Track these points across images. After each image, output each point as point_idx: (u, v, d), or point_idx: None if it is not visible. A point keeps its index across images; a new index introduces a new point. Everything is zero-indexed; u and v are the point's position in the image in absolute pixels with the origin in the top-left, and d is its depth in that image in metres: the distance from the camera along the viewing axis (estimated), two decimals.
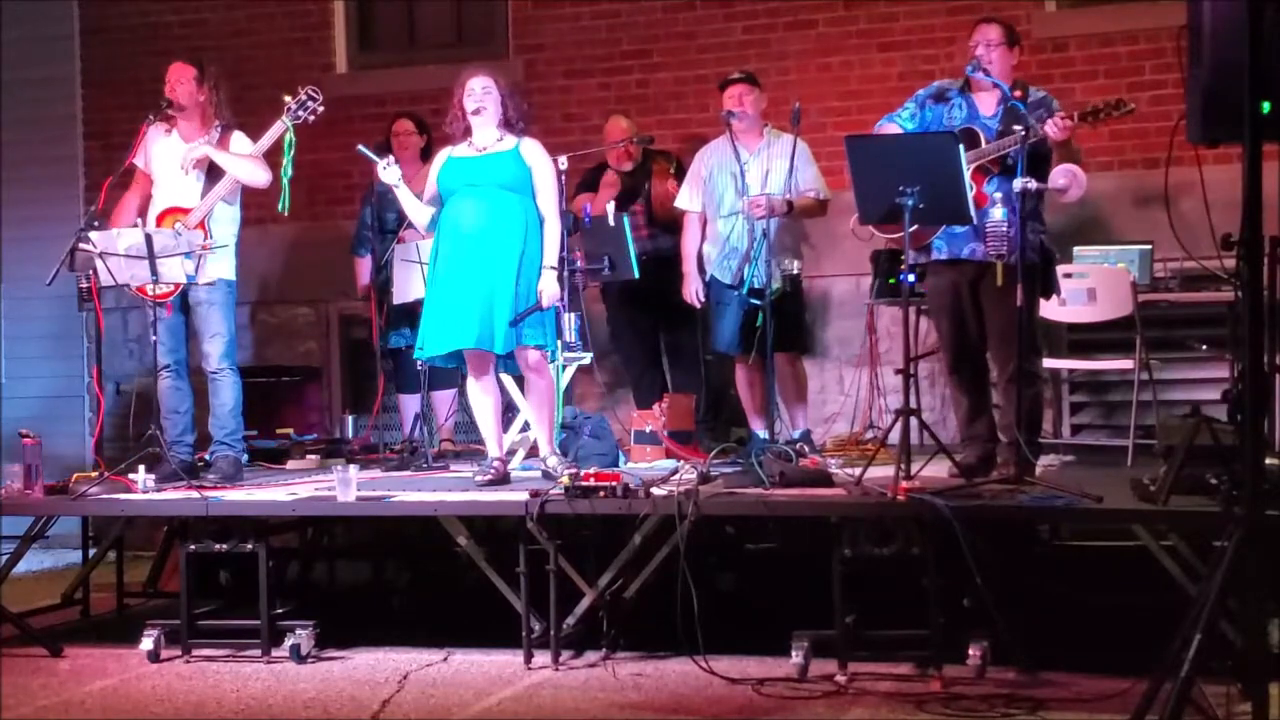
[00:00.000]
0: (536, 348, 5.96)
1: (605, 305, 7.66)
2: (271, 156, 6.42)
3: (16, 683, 5.35)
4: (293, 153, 6.33)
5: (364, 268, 7.58)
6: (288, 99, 6.35)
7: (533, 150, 6.01)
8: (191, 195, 6.35)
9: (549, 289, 5.91)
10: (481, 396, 6.10)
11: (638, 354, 7.64)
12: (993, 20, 5.76)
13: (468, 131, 6.02)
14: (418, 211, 6.17)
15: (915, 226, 5.48)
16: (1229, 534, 3.81)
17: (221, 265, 6.38)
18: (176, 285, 6.22)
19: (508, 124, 6.00)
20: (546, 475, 5.94)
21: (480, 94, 5.96)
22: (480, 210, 5.92)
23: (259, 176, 6.37)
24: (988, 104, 5.65)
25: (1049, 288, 5.71)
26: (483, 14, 8.80)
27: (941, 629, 4.93)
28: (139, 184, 6.56)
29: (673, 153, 7.63)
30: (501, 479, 5.99)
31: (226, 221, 6.44)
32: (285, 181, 6.33)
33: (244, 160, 6.34)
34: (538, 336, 5.94)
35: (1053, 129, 5.35)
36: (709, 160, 6.77)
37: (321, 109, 6.39)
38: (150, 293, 6.14)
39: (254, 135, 6.46)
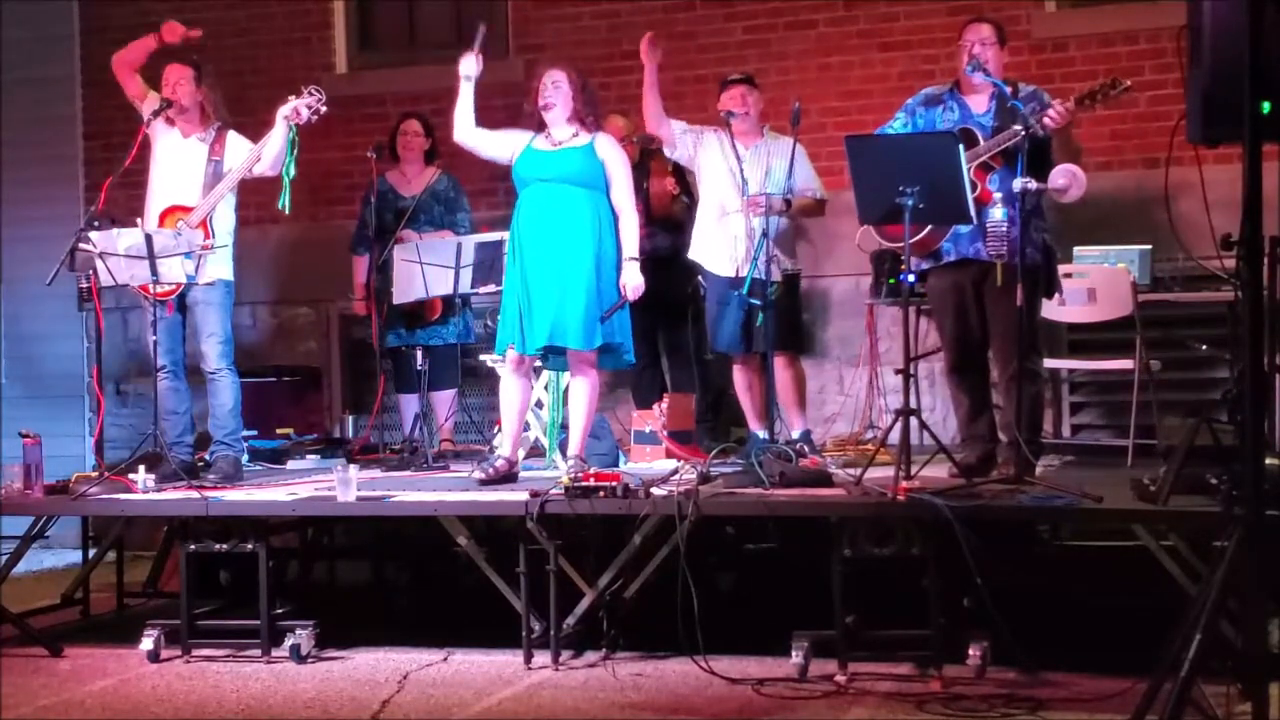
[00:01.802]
0: (613, 346, 6.00)
1: None
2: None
3: (16, 683, 5.36)
4: (295, 152, 6.33)
5: (361, 267, 7.58)
6: (292, 99, 6.34)
7: (606, 145, 6.08)
8: (193, 194, 6.35)
9: (632, 280, 5.97)
10: (513, 393, 6.10)
11: (636, 354, 7.62)
12: (984, 19, 5.77)
13: (542, 124, 6.07)
14: (464, 112, 6.11)
15: (927, 229, 5.49)
16: (1229, 534, 3.81)
17: (220, 265, 6.38)
18: (178, 285, 6.23)
19: (580, 118, 6.06)
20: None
21: (550, 89, 6.03)
22: (551, 206, 5.98)
23: (280, 164, 6.38)
24: (979, 103, 5.65)
25: (1051, 286, 5.72)
26: (483, 14, 8.76)
27: (941, 629, 4.93)
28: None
29: None
30: (502, 478, 5.97)
31: (226, 220, 6.45)
32: (287, 180, 6.33)
33: (278, 145, 6.35)
34: (617, 334, 5.99)
35: (1051, 118, 5.36)
36: (709, 147, 6.71)
37: (324, 109, 6.39)
38: (151, 291, 6.14)
39: (252, 135, 6.47)
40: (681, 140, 6.73)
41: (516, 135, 6.14)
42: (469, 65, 6.10)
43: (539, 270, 5.94)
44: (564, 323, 5.89)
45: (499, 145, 6.16)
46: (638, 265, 6.02)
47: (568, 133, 6.06)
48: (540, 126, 6.09)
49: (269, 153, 6.31)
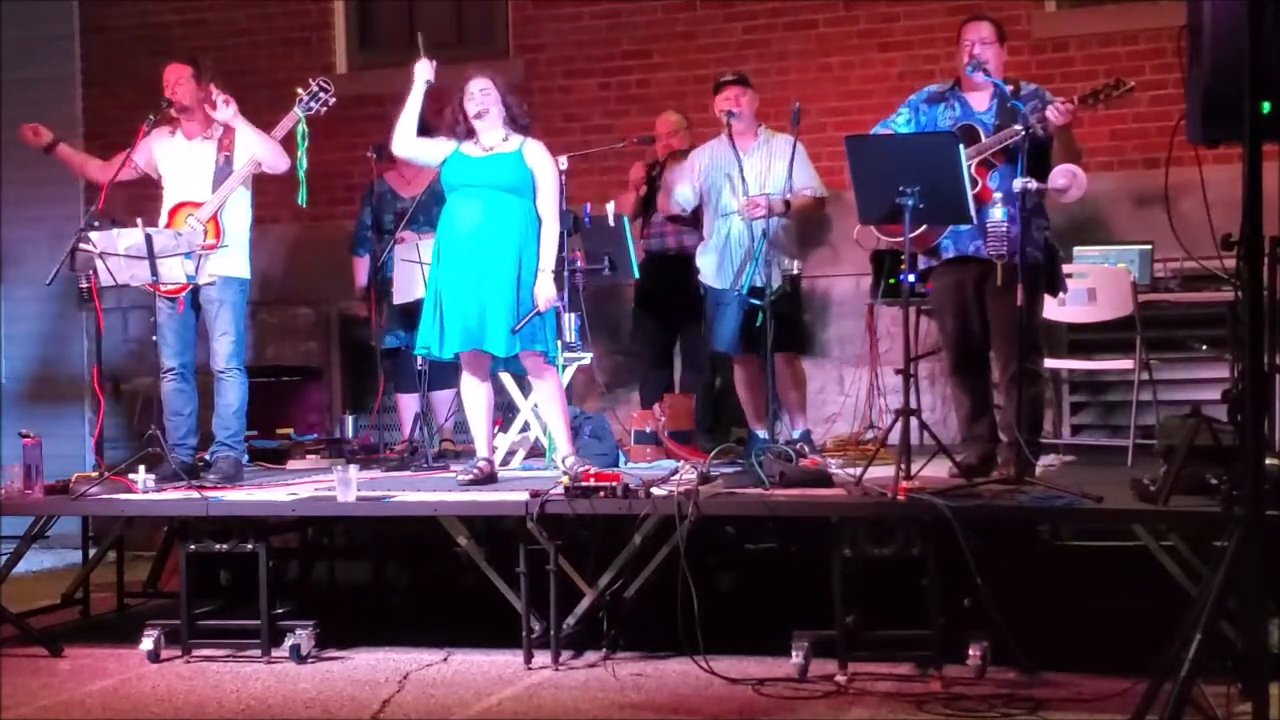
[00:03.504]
0: (538, 353, 5.98)
1: (634, 302, 7.65)
2: (288, 150, 6.37)
3: (16, 683, 5.35)
4: (306, 145, 6.31)
5: (362, 268, 7.58)
6: (300, 91, 6.34)
7: (535, 152, 6.05)
8: (203, 190, 6.33)
9: (544, 292, 5.94)
10: (474, 394, 6.12)
11: (648, 352, 7.62)
12: (983, 18, 5.76)
13: (470, 133, 6.04)
14: (410, 123, 6.10)
15: (923, 227, 5.49)
16: (1229, 534, 3.81)
17: (230, 262, 6.33)
18: (185, 284, 6.21)
19: (512, 122, 6.03)
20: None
21: (480, 96, 6.00)
22: (479, 212, 5.96)
23: (282, 161, 6.35)
24: (981, 101, 5.65)
25: (1054, 285, 5.71)
26: (483, 14, 8.80)
27: (941, 629, 4.93)
28: (124, 167, 6.48)
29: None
30: (485, 479, 5.98)
31: (239, 215, 6.39)
32: (302, 174, 6.31)
33: (269, 140, 6.31)
34: (538, 341, 5.97)
35: (1054, 114, 5.35)
36: (706, 159, 6.76)
37: (333, 100, 6.38)
38: (162, 288, 6.14)
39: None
40: (686, 194, 6.78)
41: (444, 142, 6.11)
42: (426, 70, 6.07)
43: (461, 275, 5.93)
44: (481, 328, 5.90)
45: (434, 152, 6.13)
46: (550, 278, 5.95)
47: (498, 138, 6.03)
48: (468, 135, 6.06)
49: (262, 152, 6.30)
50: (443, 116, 6.10)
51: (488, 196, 5.97)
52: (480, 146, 6.05)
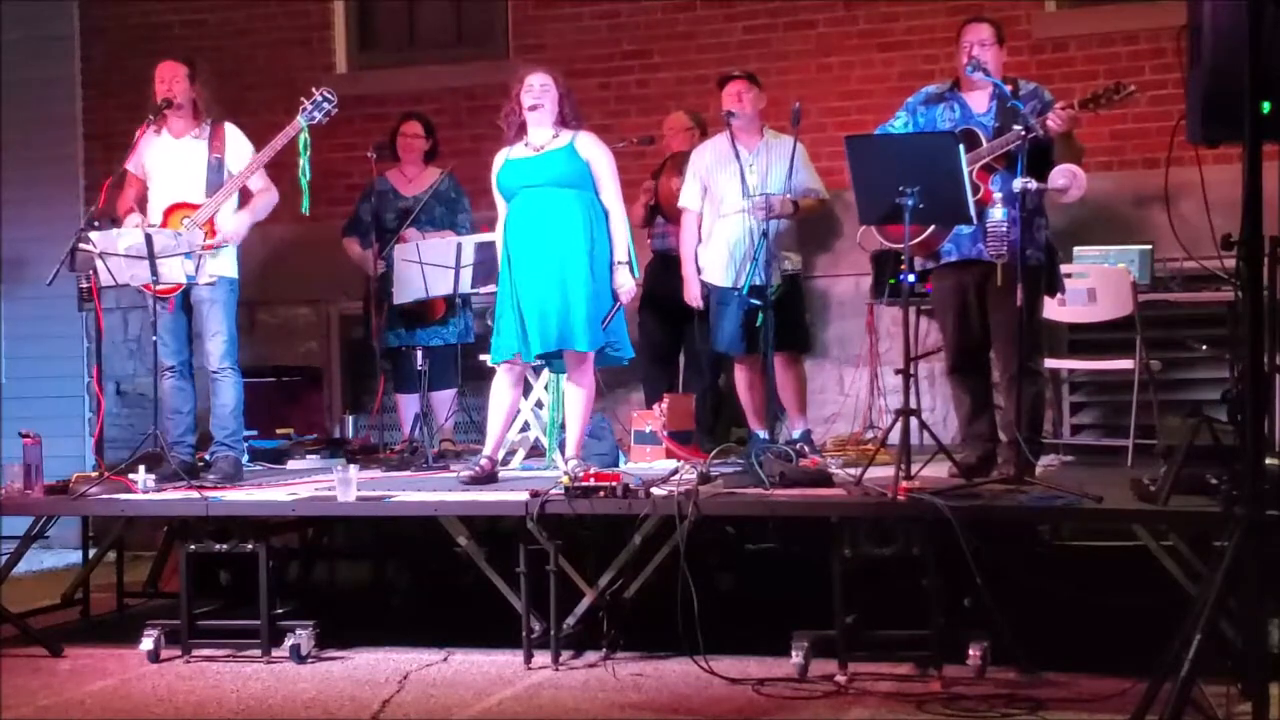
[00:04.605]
0: (609, 346, 6.01)
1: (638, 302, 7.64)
2: (288, 157, 6.39)
3: (16, 683, 5.35)
4: (309, 154, 6.32)
5: (355, 246, 7.53)
6: (303, 100, 6.35)
7: (588, 143, 6.01)
8: (197, 191, 6.34)
9: (625, 284, 5.95)
10: (504, 395, 6.09)
11: (650, 352, 7.60)
12: (982, 19, 5.77)
13: (522, 129, 6.03)
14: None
15: (928, 231, 5.49)
16: (1229, 534, 3.81)
17: (223, 263, 6.35)
18: (179, 284, 6.22)
19: (563, 121, 6.01)
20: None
21: (539, 90, 5.98)
22: (541, 210, 5.93)
23: (273, 203, 6.46)
24: (980, 102, 5.65)
25: (1054, 285, 5.72)
26: (483, 14, 8.80)
27: (941, 629, 4.93)
28: (131, 187, 6.53)
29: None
30: (486, 478, 5.97)
31: (232, 218, 6.42)
32: (305, 183, 6.32)
33: (262, 202, 6.42)
34: (612, 333, 5.99)
35: (1054, 122, 5.36)
36: (708, 159, 6.75)
37: (336, 110, 6.40)
38: (154, 288, 6.15)
39: (251, 135, 6.46)
40: (694, 197, 6.74)
41: (493, 176, 6.12)
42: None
43: (535, 276, 5.89)
44: (566, 326, 5.86)
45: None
46: (628, 268, 5.97)
47: (547, 135, 6.00)
48: (519, 133, 6.04)
49: (264, 212, 6.38)
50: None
51: (547, 195, 5.93)
52: (531, 146, 6.01)
